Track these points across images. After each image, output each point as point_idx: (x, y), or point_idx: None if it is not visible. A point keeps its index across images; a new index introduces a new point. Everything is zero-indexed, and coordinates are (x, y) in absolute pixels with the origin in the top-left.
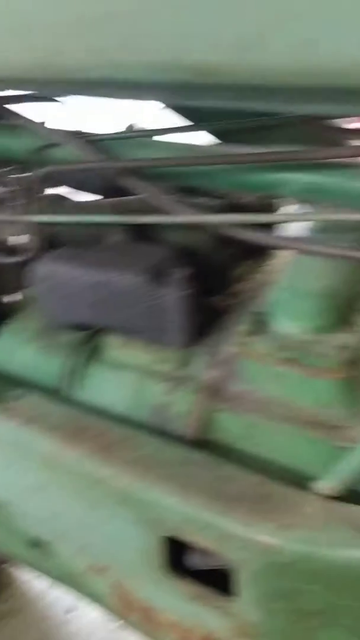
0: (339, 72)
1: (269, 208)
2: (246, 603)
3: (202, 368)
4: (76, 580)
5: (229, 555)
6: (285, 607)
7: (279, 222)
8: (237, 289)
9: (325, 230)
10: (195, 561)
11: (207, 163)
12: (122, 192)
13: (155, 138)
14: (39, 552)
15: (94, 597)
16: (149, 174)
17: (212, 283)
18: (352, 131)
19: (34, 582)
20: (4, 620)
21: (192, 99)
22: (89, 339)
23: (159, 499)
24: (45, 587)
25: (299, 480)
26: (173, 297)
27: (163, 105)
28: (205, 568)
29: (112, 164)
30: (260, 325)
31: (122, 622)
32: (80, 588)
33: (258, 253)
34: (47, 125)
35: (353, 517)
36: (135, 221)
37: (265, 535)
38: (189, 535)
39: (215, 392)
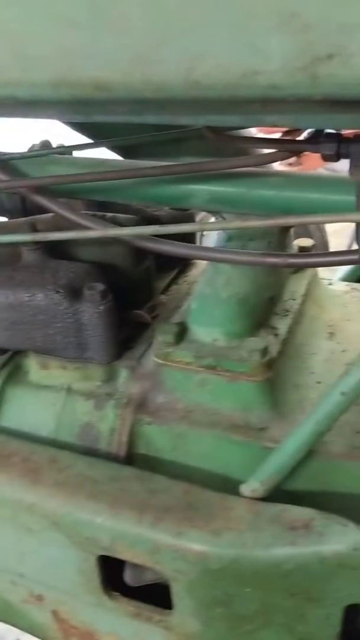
0: (224, 85)
1: (188, 220)
2: (184, 614)
3: (126, 382)
4: (14, 612)
5: (162, 567)
6: (222, 613)
7: (188, 232)
8: (158, 302)
9: (237, 239)
10: (132, 578)
11: (111, 178)
12: (32, 212)
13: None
14: None
15: (34, 629)
16: (59, 190)
17: (132, 297)
18: (262, 140)
19: None
20: None
21: (89, 115)
22: (6, 361)
23: (90, 519)
24: None
25: (230, 485)
26: (90, 312)
27: (63, 123)
28: (142, 584)
29: (18, 183)
30: (179, 334)
31: None
32: (19, 621)
33: (178, 265)
34: None
35: (278, 516)
36: (46, 238)
37: (196, 543)
38: (122, 552)
39: (140, 406)
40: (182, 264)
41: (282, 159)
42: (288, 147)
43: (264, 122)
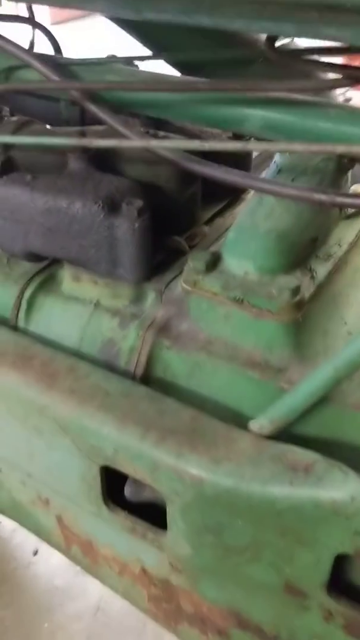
0: None
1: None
2: (176, 536)
3: (152, 305)
4: (23, 513)
5: (160, 486)
6: (213, 541)
7: (231, 151)
8: (199, 231)
9: (288, 172)
10: (131, 493)
11: (163, 89)
12: (90, 125)
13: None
14: None
15: (40, 531)
16: (113, 100)
17: (173, 222)
18: (326, 65)
19: (4, 523)
20: None
21: (139, 10)
22: (41, 270)
23: (97, 428)
24: (12, 529)
25: (239, 420)
26: (125, 228)
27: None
28: (140, 501)
29: (71, 84)
30: (211, 263)
31: (65, 556)
32: (26, 521)
33: (226, 198)
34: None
35: (281, 455)
36: (93, 144)
37: (195, 468)
38: (123, 465)
39: (162, 330)
40: (231, 197)
41: (344, 86)
42: (352, 74)
43: (321, 35)
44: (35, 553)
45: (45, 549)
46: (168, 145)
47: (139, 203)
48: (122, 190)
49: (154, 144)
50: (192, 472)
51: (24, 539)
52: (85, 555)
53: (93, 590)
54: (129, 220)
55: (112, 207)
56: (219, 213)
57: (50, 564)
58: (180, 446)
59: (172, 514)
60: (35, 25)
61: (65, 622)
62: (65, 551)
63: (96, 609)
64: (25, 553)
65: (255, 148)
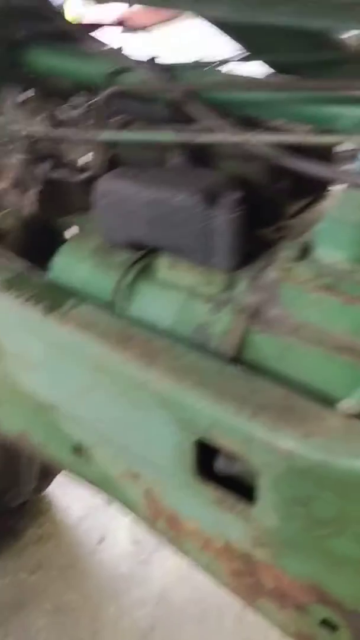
0: None
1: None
2: (265, 508)
3: (245, 292)
4: (112, 486)
5: (252, 459)
6: (301, 513)
7: (328, 144)
8: (286, 224)
9: None
10: (222, 467)
11: (263, 87)
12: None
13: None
14: (81, 458)
15: (127, 503)
16: (210, 100)
17: (264, 215)
18: None
19: (70, 511)
20: (38, 544)
21: (255, 15)
22: (141, 258)
23: (194, 403)
24: (80, 516)
25: (327, 402)
26: (223, 218)
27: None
28: (230, 474)
29: (175, 86)
30: (303, 252)
31: (151, 529)
32: (116, 493)
33: (313, 194)
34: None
35: None
36: (194, 140)
37: (288, 441)
38: (218, 438)
39: (254, 315)
40: (318, 193)
41: None
42: None
43: None
44: (101, 541)
45: (110, 537)
46: (272, 139)
47: (235, 195)
48: (219, 184)
49: (258, 138)
50: (284, 445)
51: (90, 527)
52: (170, 528)
53: (156, 578)
54: (227, 212)
55: (211, 199)
56: (305, 208)
57: (114, 552)
58: (273, 421)
59: (263, 486)
60: (131, 30)
61: (129, 608)
62: (151, 524)
63: (159, 597)
64: (92, 540)
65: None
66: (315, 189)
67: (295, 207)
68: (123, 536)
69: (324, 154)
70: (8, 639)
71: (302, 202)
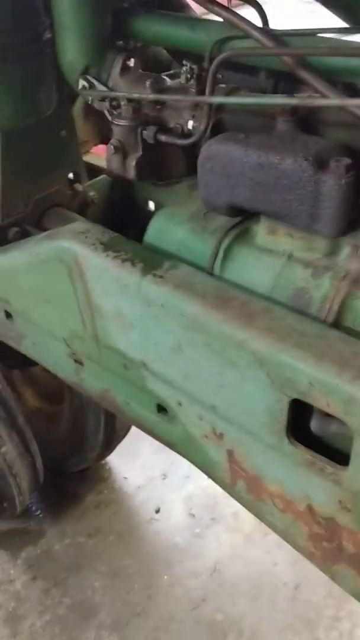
0: None
1: None
2: (358, 470)
3: (347, 258)
4: (193, 446)
5: (351, 419)
6: None
7: None
8: None
9: None
10: (318, 427)
11: None
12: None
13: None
14: (164, 417)
15: (206, 466)
16: (316, 66)
17: None
18: None
19: (130, 480)
20: (97, 510)
21: None
22: (237, 224)
23: (294, 363)
24: (138, 486)
25: None
26: (332, 183)
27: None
28: (326, 434)
29: (285, 51)
30: None
31: (227, 492)
32: (195, 454)
33: None
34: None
35: None
36: (311, 103)
37: None
38: (317, 399)
39: (356, 281)
40: None
41: None
42: None
43: None
44: (158, 511)
45: (166, 508)
46: None
47: (346, 160)
48: (328, 149)
49: None
50: None
51: (147, 497)
52: (249, 491)
53: (210, 551)
54: (337, 177)
55: (320, 163)
56: None
57: (170, 523)
58: None
59: (358, 449)
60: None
61: (183, 578)
62: (229, 487)
63: (212, 570)
64: (149, 510)
65: None
66: None
67: None
68: (179, 508)
69: None
70: (65, 599)
71: None
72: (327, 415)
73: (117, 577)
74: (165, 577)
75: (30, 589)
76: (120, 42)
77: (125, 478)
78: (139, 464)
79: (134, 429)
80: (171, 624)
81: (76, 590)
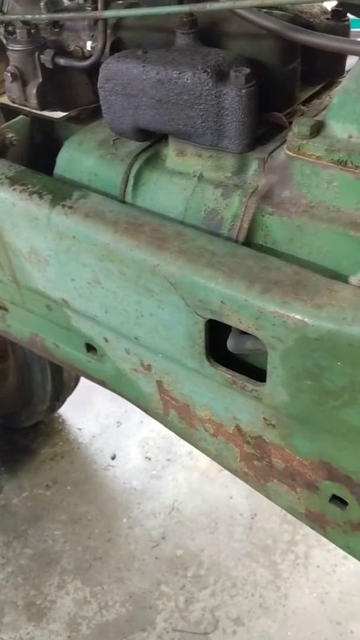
0: None
1: (343, 32)
2: (275, 385)
3: (255, 174)
4: (125, 382)
5: (263, 333)
6: (311, 386)
7: None
8: (297, 109)
9: None
10: (233, 345)
11: None
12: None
13: None
14: (93, 356)
15: (139, 399)
16: None
17: (273, 98)
18: None
19: (83, 430)
20: (53, 461)
21: None
22: (146, 149)
23: (205, 283)
24: (92, 435)
25: (338, 279)
26: (233, 95)
27: None
28: (241, 352)
29: None
30: (315, 129)
31: (162, 422)
32: (128, 390)
33: (324, 80)
34: None
35: None
36: (194, 9)
37: (299, 313)
38: (229, 316)
39: (265, 197)
40: (329, 80)
41: None
42: None
43: None
44: (114, 457)
45: (122, 454)
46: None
47: (245, 70)
48: (229, 60)
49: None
50: (296, 316)
51: (103, 445)
52: (181, 419)
53: (167, 491)
54: (237, 87)
55: (220, 75)
56: (317, 95)
57: (127, 468)
58: (284, 295)
59: (273, 362)
60: None
61: (142, 519)
62: (163, 417)
63: (171, 508)
64: (105, 457)
65: None
66: (327, 75)
67: (306, 94)
68: (135, 453)
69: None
70: (26, 549)
71: (314, 89)
72: (243, 333)
73: (77, 524)
74: (125, 520)
75: None
76: None
77: (79, 429)
78: (93, 414)
79: (85, 380)
80: (133, 563)
81: (37, 540)
